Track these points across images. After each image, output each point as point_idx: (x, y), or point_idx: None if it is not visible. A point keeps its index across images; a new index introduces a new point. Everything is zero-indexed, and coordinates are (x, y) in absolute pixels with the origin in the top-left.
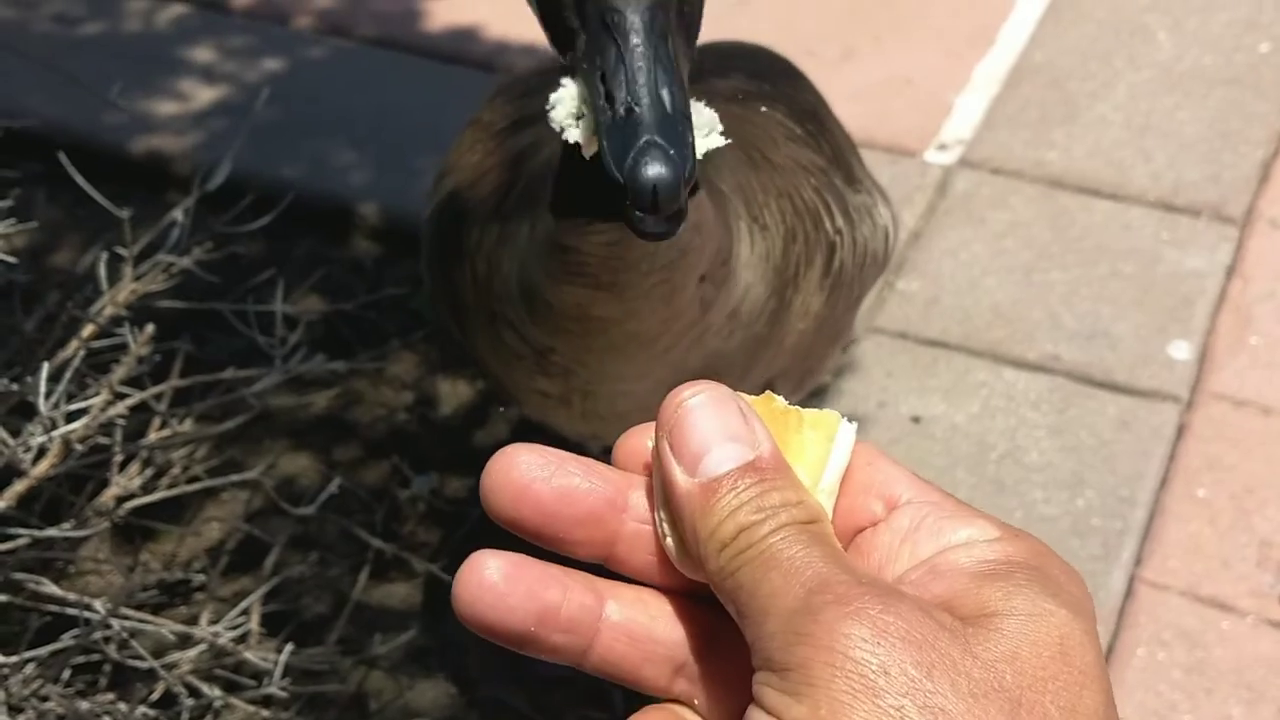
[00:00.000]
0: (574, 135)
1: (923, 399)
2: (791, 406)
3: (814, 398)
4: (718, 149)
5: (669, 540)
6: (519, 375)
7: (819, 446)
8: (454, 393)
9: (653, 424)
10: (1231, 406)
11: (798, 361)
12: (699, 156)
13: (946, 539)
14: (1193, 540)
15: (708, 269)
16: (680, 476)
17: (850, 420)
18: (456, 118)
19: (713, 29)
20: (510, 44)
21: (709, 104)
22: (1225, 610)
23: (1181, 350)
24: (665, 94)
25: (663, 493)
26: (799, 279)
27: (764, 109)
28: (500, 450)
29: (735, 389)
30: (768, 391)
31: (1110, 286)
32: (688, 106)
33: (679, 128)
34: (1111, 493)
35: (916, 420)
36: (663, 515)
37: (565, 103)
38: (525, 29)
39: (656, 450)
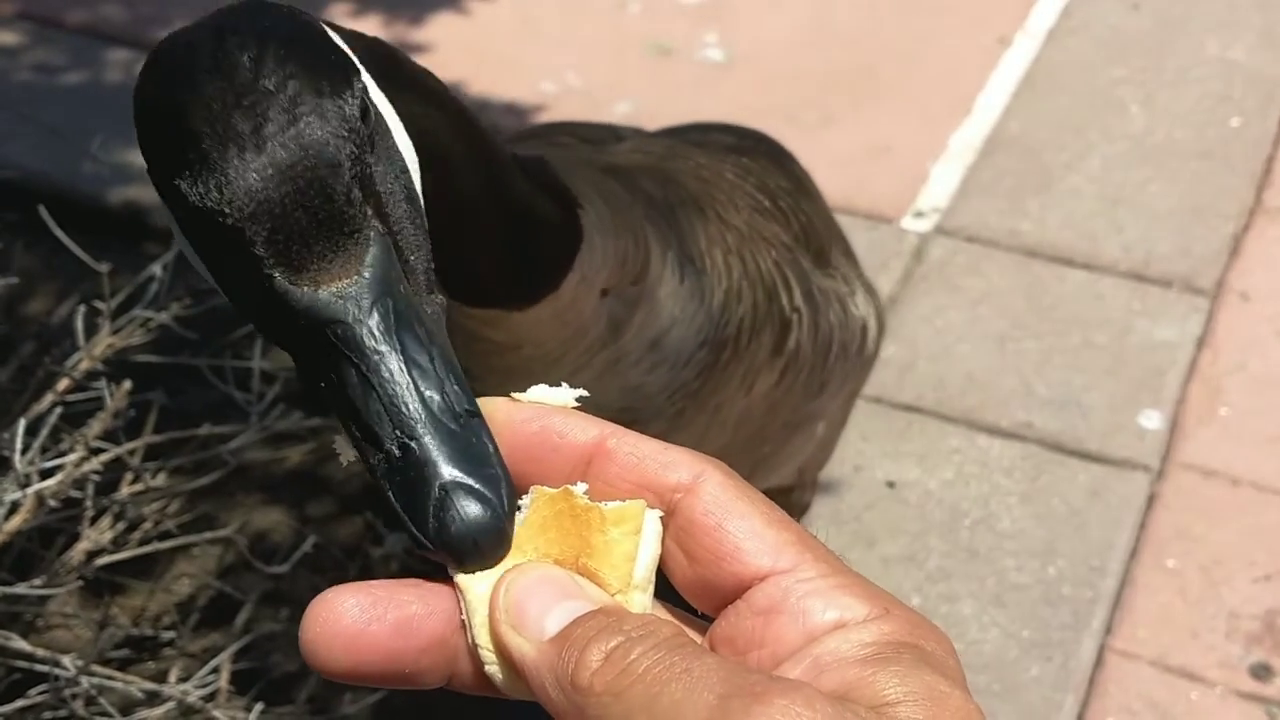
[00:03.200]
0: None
1: (897, 464)
2: (592, 504)
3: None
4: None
5: (498, 676)
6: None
7: (625, 542)
8: None
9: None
10: (1201, 477)
11: (745, 443)
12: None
13: (814, 620)
14: (1162, 610)
15: (611, 282)
16: (527, 647)
17: (652, 508)
18: None
19: (695, 93)
20: (492, 102)
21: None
22: (1194, 680)
23: (1152, 420)
24: (439, 404)
25: (480, 634)
26: (740, 345)
27: (731, 176)
28: (315, 601)
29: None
30: (566, 487)
31: (1082, 356)
32: (472, 400)
33: (474, 440)
34: (1082, 561)
35: (891, 485)
36: (483, 654)
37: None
38: (506, 87)
39: (492, 626)
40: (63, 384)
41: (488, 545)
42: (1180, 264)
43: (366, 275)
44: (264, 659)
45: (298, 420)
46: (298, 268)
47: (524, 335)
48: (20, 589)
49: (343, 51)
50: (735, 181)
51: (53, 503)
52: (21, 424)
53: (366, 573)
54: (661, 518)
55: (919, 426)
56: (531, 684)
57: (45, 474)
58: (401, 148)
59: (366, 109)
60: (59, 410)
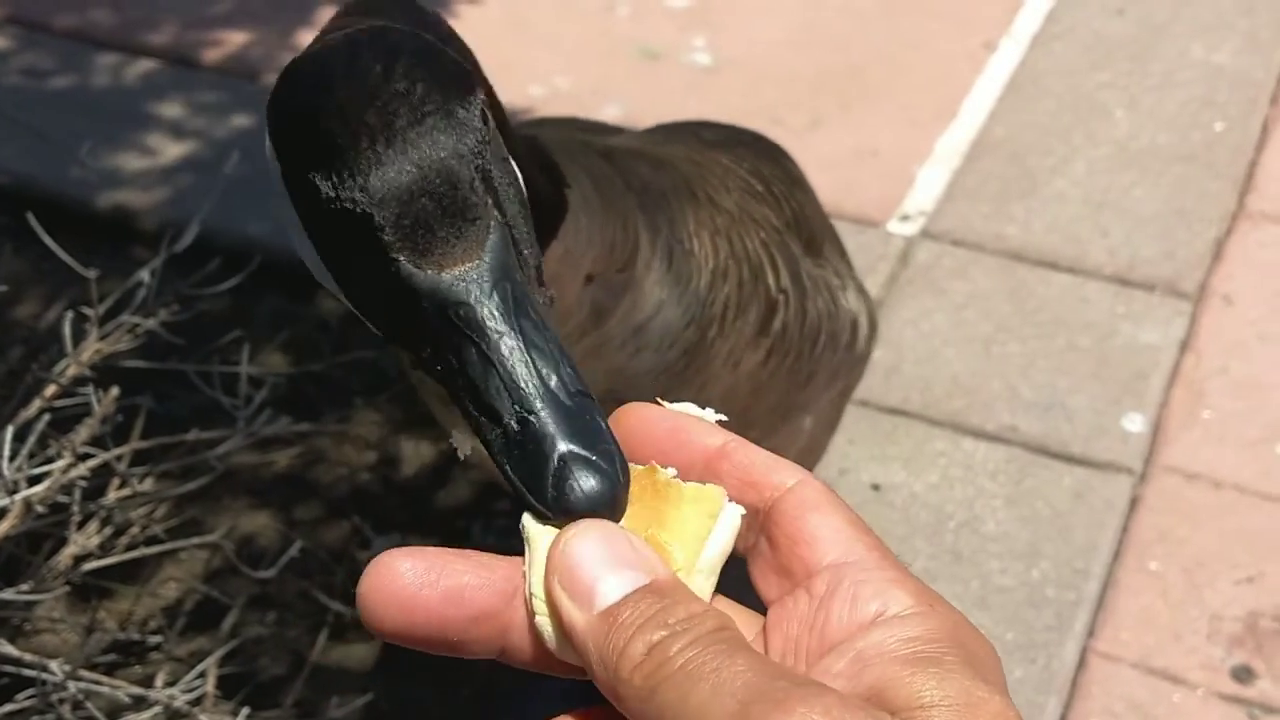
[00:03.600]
0: (464, 449)
1: (883, 467)
2: (674, 480)
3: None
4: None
5: (547, 630)
6: (434, 402)
7: (698, 523)
8: (417, 453)
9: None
10: (1184, 480)
11: (732, 423)
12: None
13: (861, 608)
14: (1145, 613)
15: (597, 269)
16: (577, 614)
17: (734, 502)
18: None
19: (683, 97)
20: None
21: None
22: (1176, 683)
23: (1135, 423)
24: (555, 382)
25: (537, 585)
26: (724, 321)
27: (726, 160)
28: (375, 560)
29: None
30: (653, 462)
31: (1067, 359)
32: (583, 380)
33: (587, 417)
34: (1066, 564)
35: (876, 488)
36: (536, 604)
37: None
38: (495, 90)
39: (546, 586)
40: (50, 390)
41: (606, 507)
42: (1164, 268)
43: (487, 260)
44: (251, 663)
45: (285, 425)
46: (423, 252)
47: None
48: (7, 594)
49: (465, 67)
50: (729, 165)
51: (40, 509)
52: (10, 431)
53: (354, 576)
54: (743, 515)
55: (905, 429)
56: (578, 650)
57: (33, 480)
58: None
59: (486, 115)
60: (47, 417)
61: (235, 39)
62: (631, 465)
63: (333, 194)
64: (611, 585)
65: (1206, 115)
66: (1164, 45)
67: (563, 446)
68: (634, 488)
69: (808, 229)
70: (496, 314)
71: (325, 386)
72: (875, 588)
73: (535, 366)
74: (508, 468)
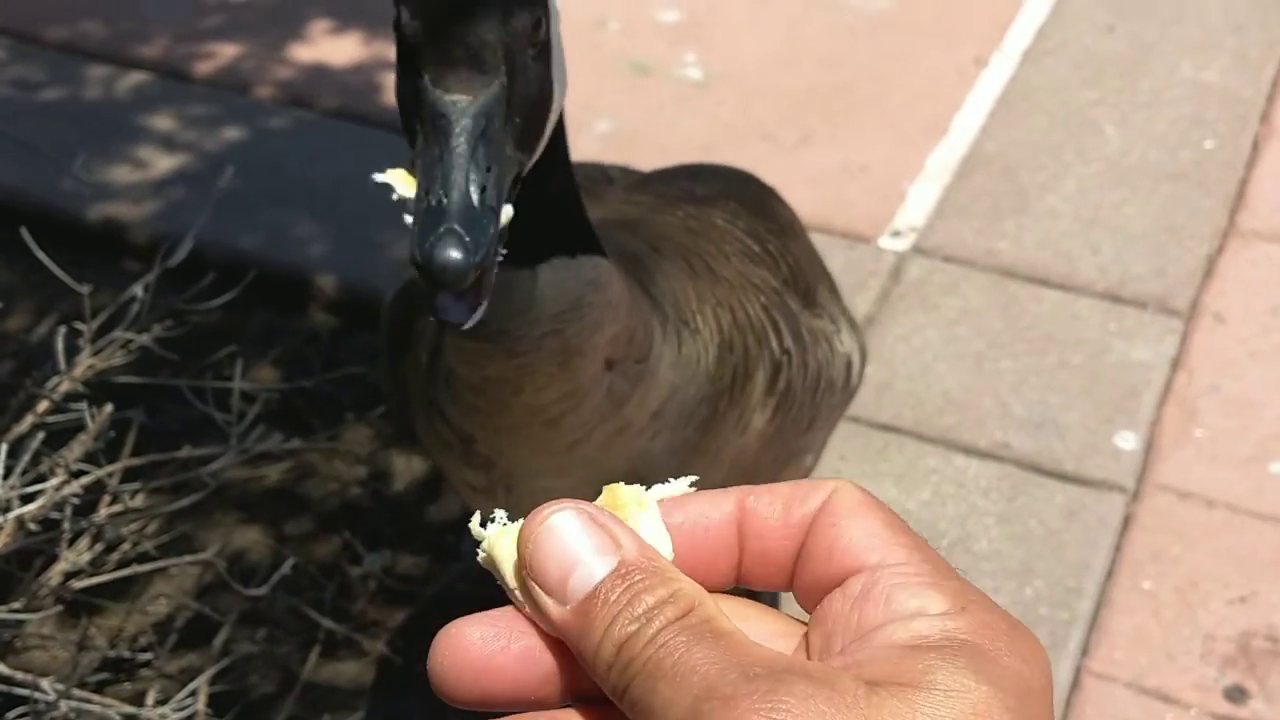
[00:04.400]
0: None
1: (875, 484)
2: (636, 490)
3: None
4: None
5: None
6: (450, 465)
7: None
8: (408, 468)
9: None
10: (1176, 498)
11: (739, 479)
12: (497, 246)
13: (894, 609)
14: (1138, 632)
15: (617, 354)
16: (553, 608)
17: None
18: None
19: (674, 112)
20: None
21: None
22: (1170, 703)
23: (1128, 441)
24: (474, 190)
25: (511, 578)
26: (735, 391)
27: (721, 222)
28: (443, 632)
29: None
30: (616, 484)
31: (1059, 376)
32: (499, 204)
33: (483, 220)
34: (1059, 583)
35: None
36: (515, 598)
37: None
38: None
39: (527, 586)
40: (43, 406)
41: (453, 272)
42: (1155, 285)
43: (479, 101)
44: (242, 681)
45: (277, 441)
46: (438, 77)
47: (521, 364)
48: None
49: None
50: (724, 227)
51: (32, 526)
52: (4, 448)
53: (345, 592)
54: (691, 482)
55: (896, 446)
56: (565, 641)
57: (26, 498)
58: (559, 79)
59: (538, 26)
60: (41, 434)
61: (227, 51)
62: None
63: (405, 19)
64: (580, 576)
65: (1196, 133)
66: (1154, 63)
67: (450, 224)
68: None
69: (803, 280)
70: (462, 134)
71: (316, 401)
72: (911, 590)
73: (468, 175)
74: (414, 225)
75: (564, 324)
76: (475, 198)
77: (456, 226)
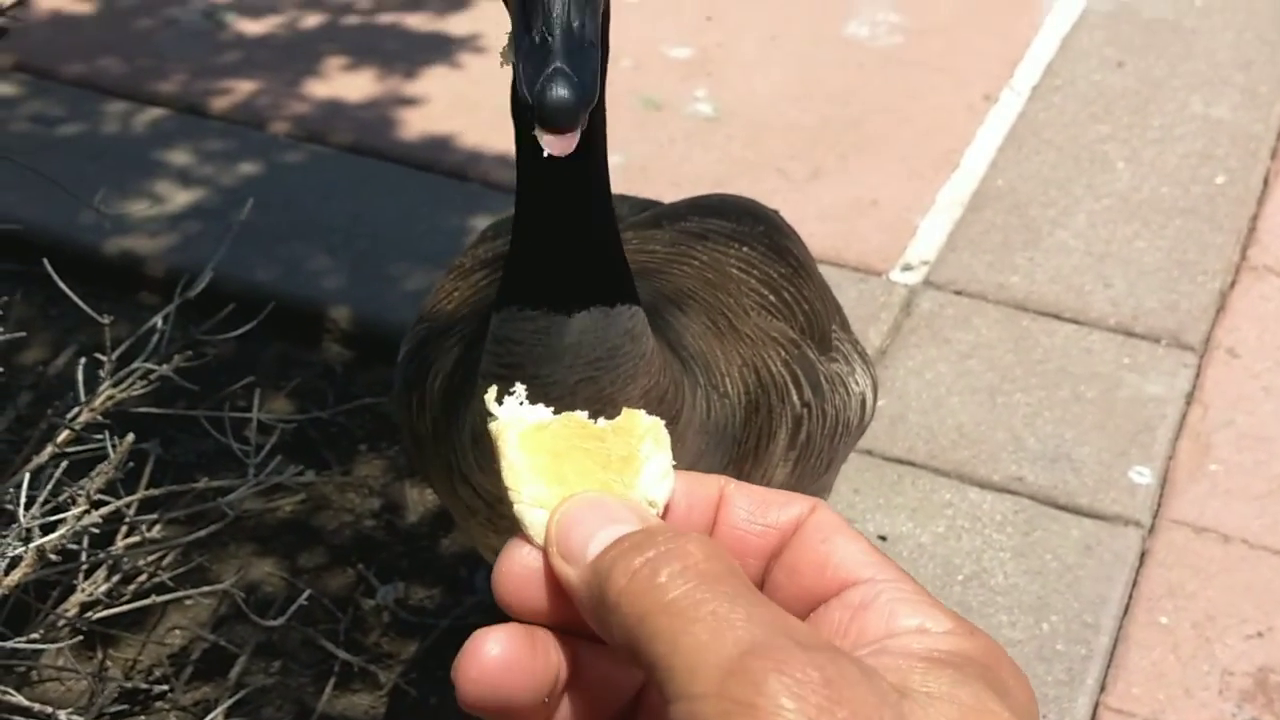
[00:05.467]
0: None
1: (889, 517)
2: (656, 424)
3: None
4: (679, 311)
5: (525, 517)
6: (475, 531)
7: (624, 448)
8: (421, 500)
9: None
10: (1192, 533)
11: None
12: (598, 86)
13: (898, 623)
14: (1156, 668)
15: (648, 410)
16: (571, 572)
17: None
18: (430, 225)
19: (686, 148)
20: (484, 153)
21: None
22: None
23: (1143, 475)
24: (576, 24)
25: (510, 478)
26: (759, 451)
27: (736, 272)
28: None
29: None
30: (571, 414)
31: (1072, 410)
32: (597, 36)
33: (586, 56)
34: (1076, 618)
35: (883, 539)
36: (512, 495)
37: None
38: (499, 139)
39: (546, 557)
40: (63, 436)
41: (566, 115)
42: (1168, 319)
43: None
44: (257, 713)
45: (293, 473)
46: None
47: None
48: (17, 643)
49: None
50: (740, 277)
51: (53, 556)
52: (26, 478)
53: (359, 624)
54: (663, 425)
55: (910, 479)
56: (581, 610)
57: (46, 528)
58: None
59: None
60: (65, 464)
61: (243, 87)
62: (553, 418)
63: None
64: (600, 539)
65: (1207, 169)
66: (1163, 99)
67: (559, 63)
68: (565, 445)
69: (819, 325)
70: None
71: (330, 433)
72: (914, 607)
73: (569, 11)
74: (519, 65)
75: (599, 371)
76: (578, 33)
77: (563, 65)
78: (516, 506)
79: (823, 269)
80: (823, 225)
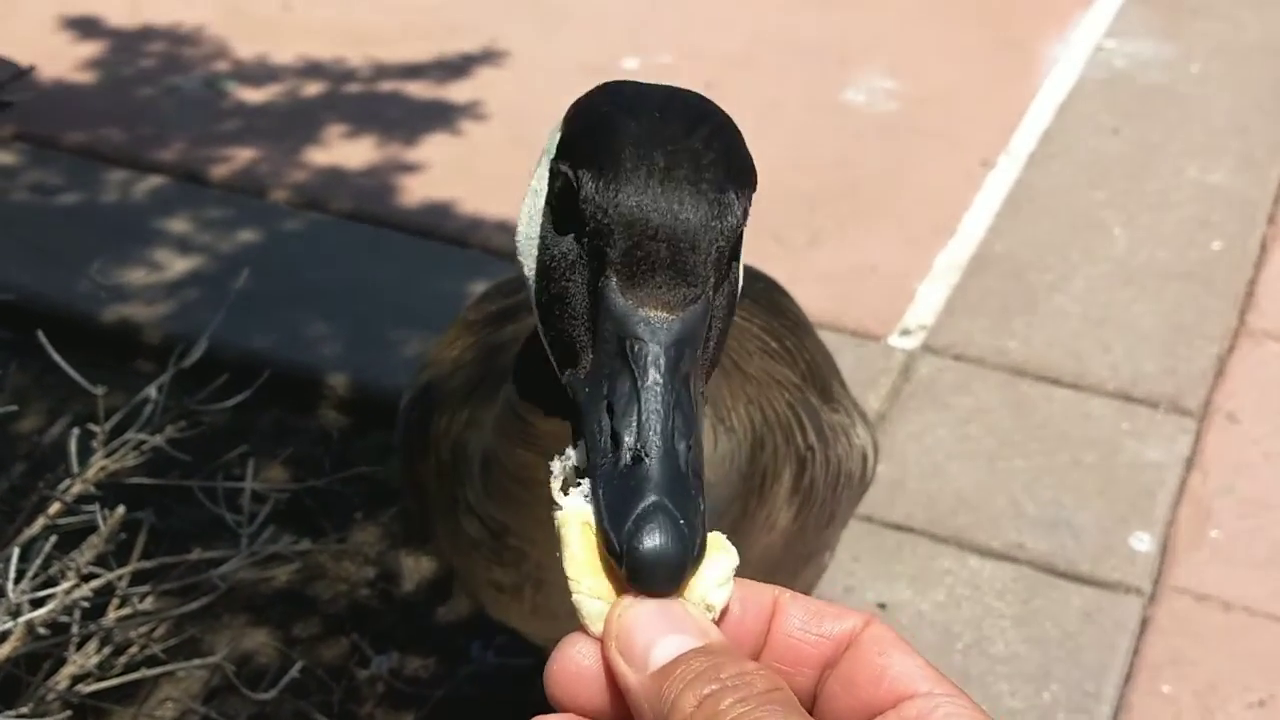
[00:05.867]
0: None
1: (889, 585)
2: (719, 537)
3: None
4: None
5: (584, 607)
6: (476, 566)
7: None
8: (417, 569)
9: (584, 636)
10: (1194, 601)
11: (763, 577)
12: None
13: None
14: None
15: None
16: (632, 675)
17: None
18: (430, 291)
19: None
20: (484, 220)
21: None
22: None
23: (1143, 542)
24: (682, 448)
25: (570, 568)
26: (764, 490)
27: (739, 319)
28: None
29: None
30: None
31: (1072, 475)
32: (702, 468)
33: (691, 492)
34: (1077, 686)
35: (882, 607)
36: (572, 584)
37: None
38: (498, 206)
39: (604, 652)
40: (55, 508)
41: (666, 572)
42: (1167, 384)
43: (682, 320)
44: None
45: (287, 543)
46: (634, 284)
47: None
48: (6, 717)
49: (751, 163)
50: (743, 324)
51: (42, 630)
52: (16, 551)
53: (353, 695)
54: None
55: (910, 547)
56: (633, 710)
57: (36, 602)
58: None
59: (746, 214)
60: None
61: (244, 155)
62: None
63: (591, 194)
64: (665, 648)
65: (1204, 234)
66: (1159, 165)
67: (657, 497)
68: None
69: (820, 376)
70: (664, 366)
71: (326, 501)
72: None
73: (671, 425)
74: (601, 491)
75: None
76: (682, 460)
77: (667, 502)
78: (576, 596)
79: (821, 334)
80: (821, 290)
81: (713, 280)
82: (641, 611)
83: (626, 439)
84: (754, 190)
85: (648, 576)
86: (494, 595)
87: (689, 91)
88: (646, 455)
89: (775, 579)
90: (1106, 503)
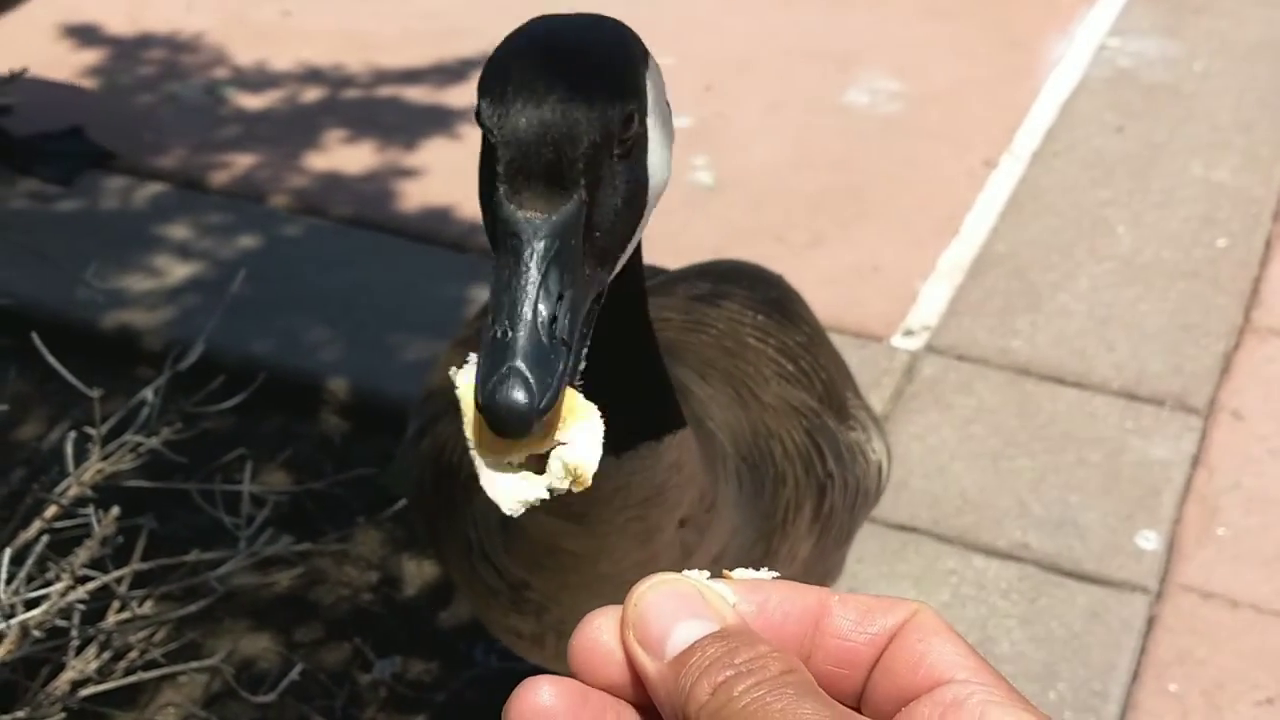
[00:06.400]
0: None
1: (893, 585)
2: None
3: None
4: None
5: (479, 463)
6: (494, 613)
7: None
8: (419, 573)
9: (606, 611)
10: (1200, 599)
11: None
12: (571, 385)
13: None
14: None
15: (690, 513)
16: (650, 663)
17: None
18: (429, 296)
19: (686, 215)
20: (482, 225)
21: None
22: None
23: (1149, 541)
24: (544, 321)
25: (468, 429)
26: (787, 525)
27: (753, 341)
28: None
29: None
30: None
31: (1077, 474)
32: (573, 333)
33: (551, 356)
34: (1084, 685)
35: None
36: (468, 442)
37: None
38: None
39: (622, 639)
40: (51, 511)
41: (515, 423)
42: (1172, 382)
43: (554, 218)
44: None
45: (286, 545)
46: (515, 190)
47: (602, 544)
48: None
49: (636, 76)
50: (758, 347)
51: (38, 633)
52: (7, 554)
53: (355, 699)
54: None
55: (914, 547)
56: (652, 696)
57: (30, 604)
58: (656, 165)
59: (630, 120)
60: (45, 539)
61: (243, 161)
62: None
63: (485, 118)
64: (682, 634)
65: (1209, 232)
66: (1164, 163)
67: (515, 362)
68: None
69: (836, 394)
70: (533, 257)
71: (327, 505)
72: (1005, 710)
73: (536, 304)
74: (480, 359)
75: (648, 509)
76: (544, 330)
77: (521, 364)
78: (471, 452)
79: None
80: (823, 291)
81: (584, 182)
82: (656, 597)
83: (500, 317)
84: (635, 97)
85: (500, 424)
86: (513, 639)
87: (593, 16)
88: (512, 329)
89: None
90: (1112, 501)
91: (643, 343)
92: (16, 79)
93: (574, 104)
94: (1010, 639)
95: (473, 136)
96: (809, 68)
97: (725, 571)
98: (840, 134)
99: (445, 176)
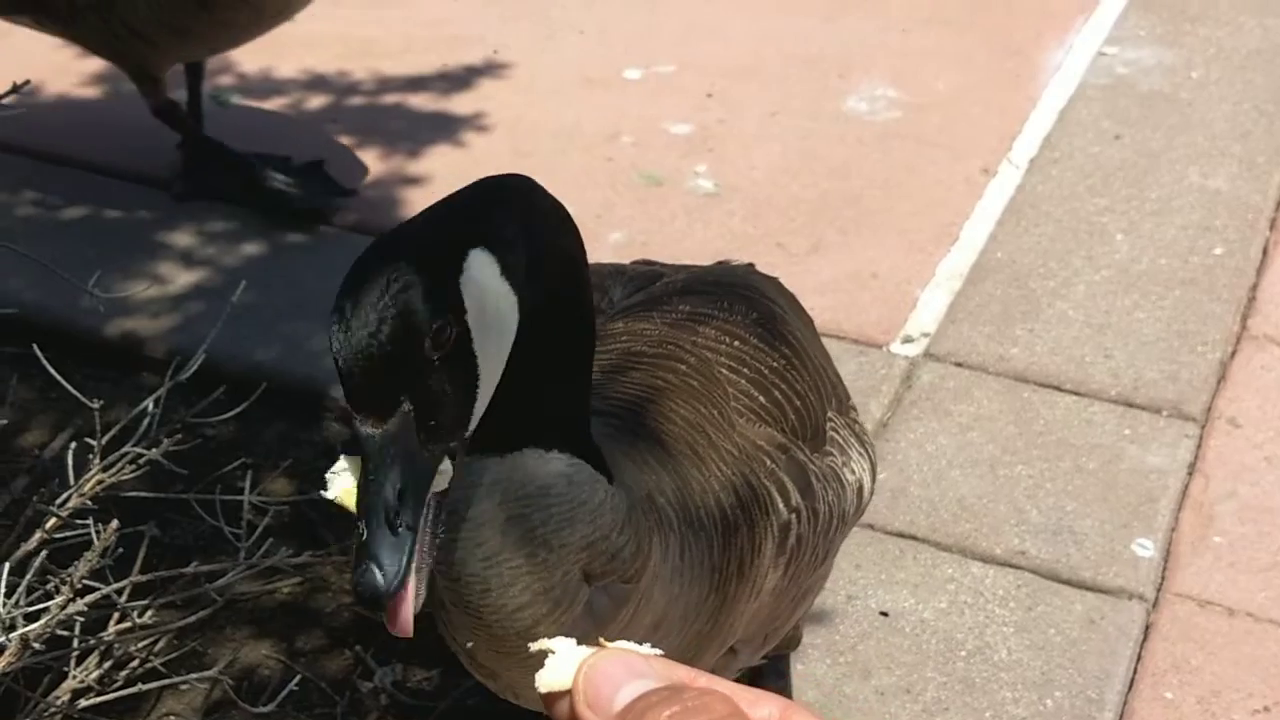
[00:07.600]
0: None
1: (891, 593)
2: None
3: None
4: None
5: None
6: (459, 653)
7: None
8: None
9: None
10: (1196, 606)
11: (758, 630)
12: (421, 571)
13: None
14: None
15: (594, 567)
16: None
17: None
18: None
19: (686, 223)
20: None
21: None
22: None
23: (1146, 548)
24: (387, 516)
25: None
26: (744, 569)
27: (725, 372)
28: None
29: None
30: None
31: (1074, 482)
32: (416, 516)
33: (397, 546)
34: (1080, 693)
35: (885, 615)
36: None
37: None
38: None
39: (573, 708)
40: (51, 523)
41: (371, 600)
42: (1169, 390)
43: (386, 429)
44: None
45: (286, 554)
46: (355, 408)
47: (490, 556)
48: None
49: (441, 294)
50: (729, 378)
51: (38, 645)
52: (6, 566)
53: (356, 708)
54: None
55: (912, 554)
56: None
57: (30, 617)
58: (491, 344)
59: (443, 332)
60: (45, 552)
61: None
62: None
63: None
64: (626, 692)
65: (1206, 240)
66: (1161, 170)
67: (365, 559)
68: None
69: (812, 420)
70: (375, 467)
71: (329, 513)
72: None
73: (382, 503)
74: (357, 552)
75: (528, 509)
76: (388, 526)
77: (371, 560)
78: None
79: (823, 342)
80: (822, 298)
81: (405, 396)
82: (606, 664)
83: (360, 519)
84: (443, 313)
85: (364, 604)
86: (484, 676)
87: (406, 232)
88: (367, 529)
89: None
90: (1109, 509)
91: (577, 391)
92: (22, 89)
93: (374, 341)
94: (1008, 646)
95: (477, 144)
96: (809, 75)
97: (602, 640)
98: (840, 141)
99: (449, 184)
